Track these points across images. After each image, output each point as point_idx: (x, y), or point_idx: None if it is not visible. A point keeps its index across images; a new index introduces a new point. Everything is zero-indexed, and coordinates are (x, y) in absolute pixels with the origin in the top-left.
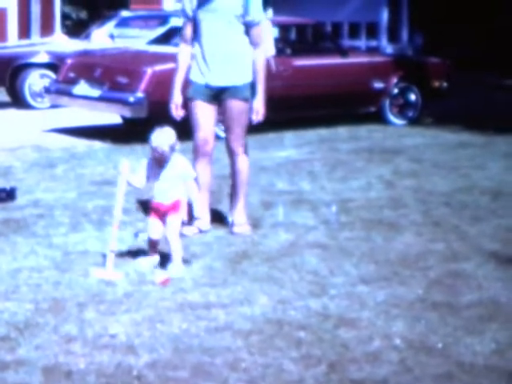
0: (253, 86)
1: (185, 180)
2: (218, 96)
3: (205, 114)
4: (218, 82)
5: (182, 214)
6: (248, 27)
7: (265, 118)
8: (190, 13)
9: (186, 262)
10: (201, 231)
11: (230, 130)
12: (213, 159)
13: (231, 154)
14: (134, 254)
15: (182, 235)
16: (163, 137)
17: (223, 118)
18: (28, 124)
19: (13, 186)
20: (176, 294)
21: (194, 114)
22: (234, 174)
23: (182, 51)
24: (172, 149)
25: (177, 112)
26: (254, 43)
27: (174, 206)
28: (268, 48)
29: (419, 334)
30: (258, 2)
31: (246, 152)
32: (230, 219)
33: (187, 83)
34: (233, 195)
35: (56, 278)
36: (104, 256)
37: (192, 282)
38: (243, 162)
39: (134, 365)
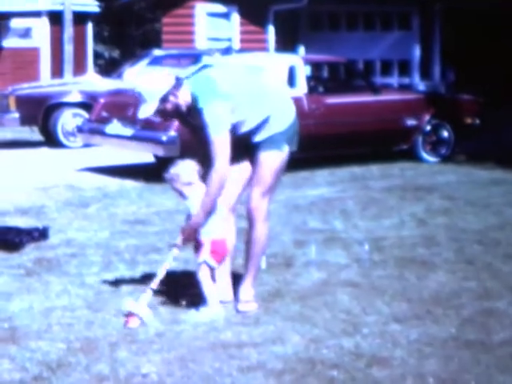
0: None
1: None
2: None
3: None
4: None
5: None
6: None
7: (297, 156)
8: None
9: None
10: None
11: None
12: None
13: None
14: (168, 293)
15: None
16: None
17: None
18: (61, 163)
19: (45, 226)
20: (208, 334)
21: None
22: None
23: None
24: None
25: None
26: None
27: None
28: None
29: (452, 373)
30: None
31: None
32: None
33: None
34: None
35: (88, 318)
36: (136, 294)
37: (224, 321)
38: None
39: None
